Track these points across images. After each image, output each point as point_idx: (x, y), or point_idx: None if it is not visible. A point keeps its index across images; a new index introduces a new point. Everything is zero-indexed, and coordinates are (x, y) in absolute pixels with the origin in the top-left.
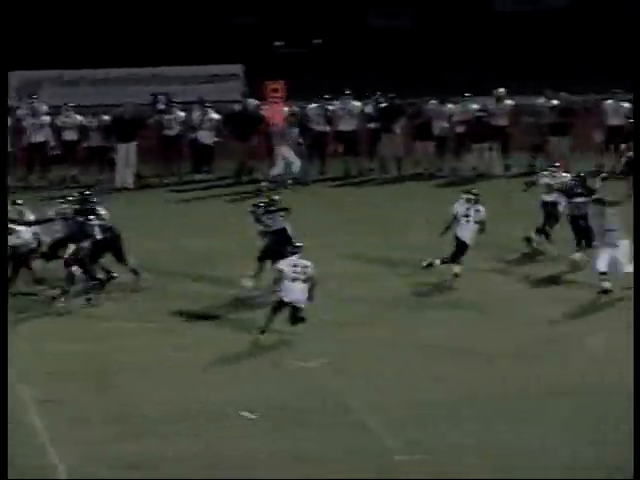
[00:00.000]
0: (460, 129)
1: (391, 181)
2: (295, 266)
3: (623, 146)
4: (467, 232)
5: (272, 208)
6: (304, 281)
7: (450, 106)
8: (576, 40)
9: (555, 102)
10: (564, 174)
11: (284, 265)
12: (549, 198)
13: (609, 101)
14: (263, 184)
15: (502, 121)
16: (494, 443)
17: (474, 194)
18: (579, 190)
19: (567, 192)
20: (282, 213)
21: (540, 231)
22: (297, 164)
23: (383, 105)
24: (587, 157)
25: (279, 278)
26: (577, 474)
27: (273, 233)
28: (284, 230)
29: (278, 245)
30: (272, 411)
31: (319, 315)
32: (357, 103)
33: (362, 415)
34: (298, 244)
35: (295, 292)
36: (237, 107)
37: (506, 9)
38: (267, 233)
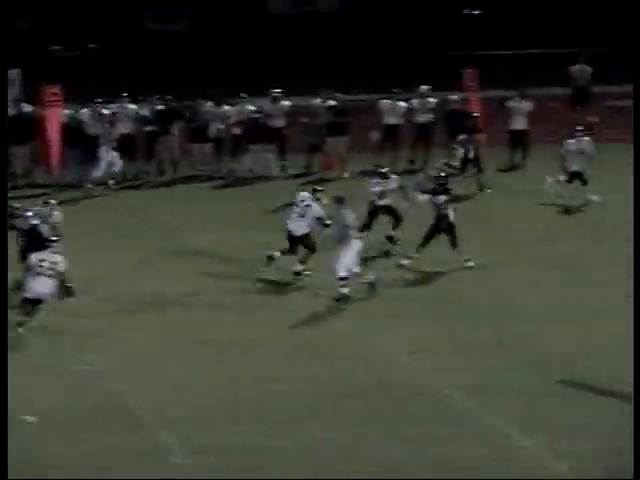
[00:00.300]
0: (236, 130)
1: (168, 184)
2: (42, 261)
3: (461, 137)
4: (293, 224)
5: (18, 212)
6: (50, 276)
7: (226, 107)
8: (349, 41)
9: (332, 102)
10: (392, 175)
11: (31, 260)
12: (382, 203)
13: (386, 100)
14: (89, 185)
15: (278, 122)
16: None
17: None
18: (441, 189)
19: (433, 192)
20: (31, 212)
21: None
22: (119, 163)
23: (159, 107)
24: (364, 157)
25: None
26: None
27: (27, 233)
28: (35, 228)
29: (33, 244)
30: (54, 414)
31: (109, 316)
32: (133, 106)
33: (141, 417)
34: (52, 238)
35: (38, 287)
36: (12, 112)
37: (280, 11)
38: (23, 233)
